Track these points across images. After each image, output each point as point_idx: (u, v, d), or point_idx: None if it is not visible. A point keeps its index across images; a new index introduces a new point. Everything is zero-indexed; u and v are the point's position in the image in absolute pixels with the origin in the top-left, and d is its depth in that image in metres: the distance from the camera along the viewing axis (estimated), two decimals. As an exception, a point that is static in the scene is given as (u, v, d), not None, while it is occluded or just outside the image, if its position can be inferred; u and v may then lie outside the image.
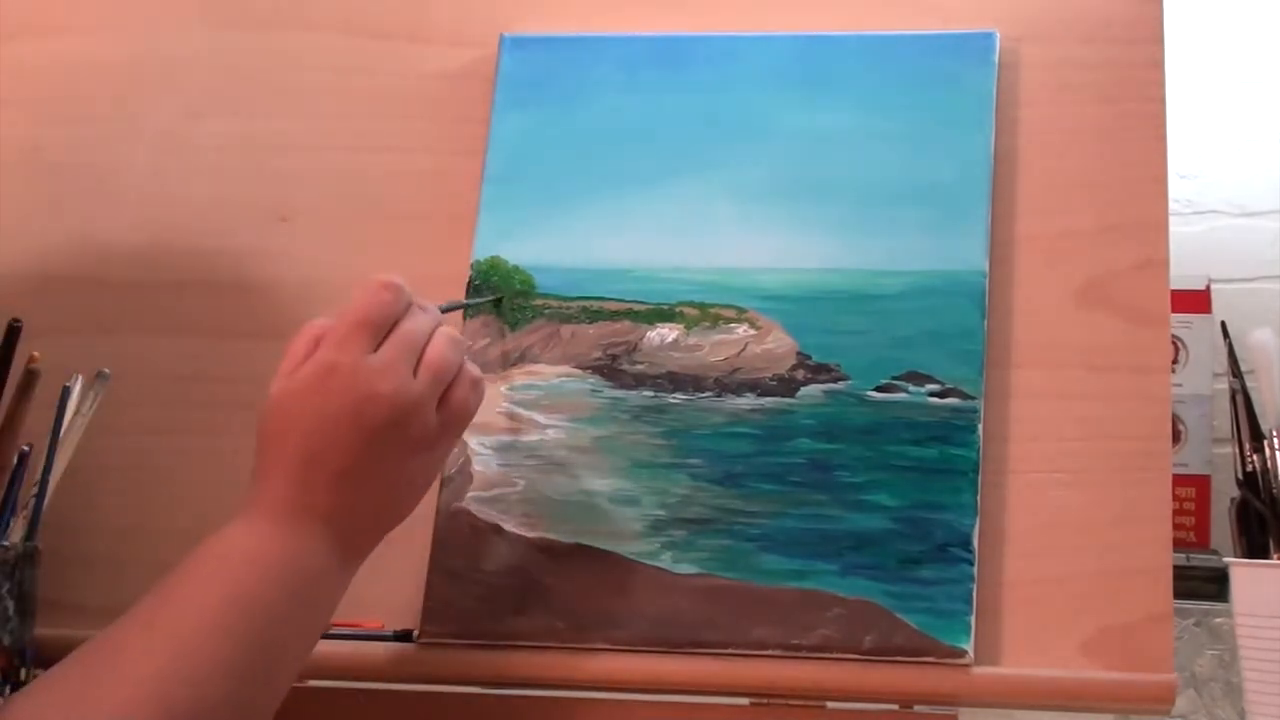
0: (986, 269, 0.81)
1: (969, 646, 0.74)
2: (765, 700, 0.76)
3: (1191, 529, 1.25)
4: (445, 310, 0.75)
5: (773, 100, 0.86)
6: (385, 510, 0.70)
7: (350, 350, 0.68)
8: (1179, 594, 0.78)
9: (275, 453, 0.68)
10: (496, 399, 0.82)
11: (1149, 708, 0.73)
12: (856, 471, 0.78)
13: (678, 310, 0.83)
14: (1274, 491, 0.96)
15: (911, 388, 0.79)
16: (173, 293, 0.89)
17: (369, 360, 0.68)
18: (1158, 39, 0.84)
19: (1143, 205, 0.81)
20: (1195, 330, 1.28)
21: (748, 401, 0.81)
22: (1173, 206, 0.82)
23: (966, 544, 0.76)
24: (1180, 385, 1.26)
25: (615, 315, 0.83)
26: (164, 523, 0.84)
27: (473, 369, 0.73)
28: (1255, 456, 0.97)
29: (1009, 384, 0.79)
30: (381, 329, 0.69)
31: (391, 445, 0.68)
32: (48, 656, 0.77)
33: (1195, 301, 1.29)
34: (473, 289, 0.84)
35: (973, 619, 0.74)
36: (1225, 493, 1.16)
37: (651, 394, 0.81)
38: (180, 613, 0.64)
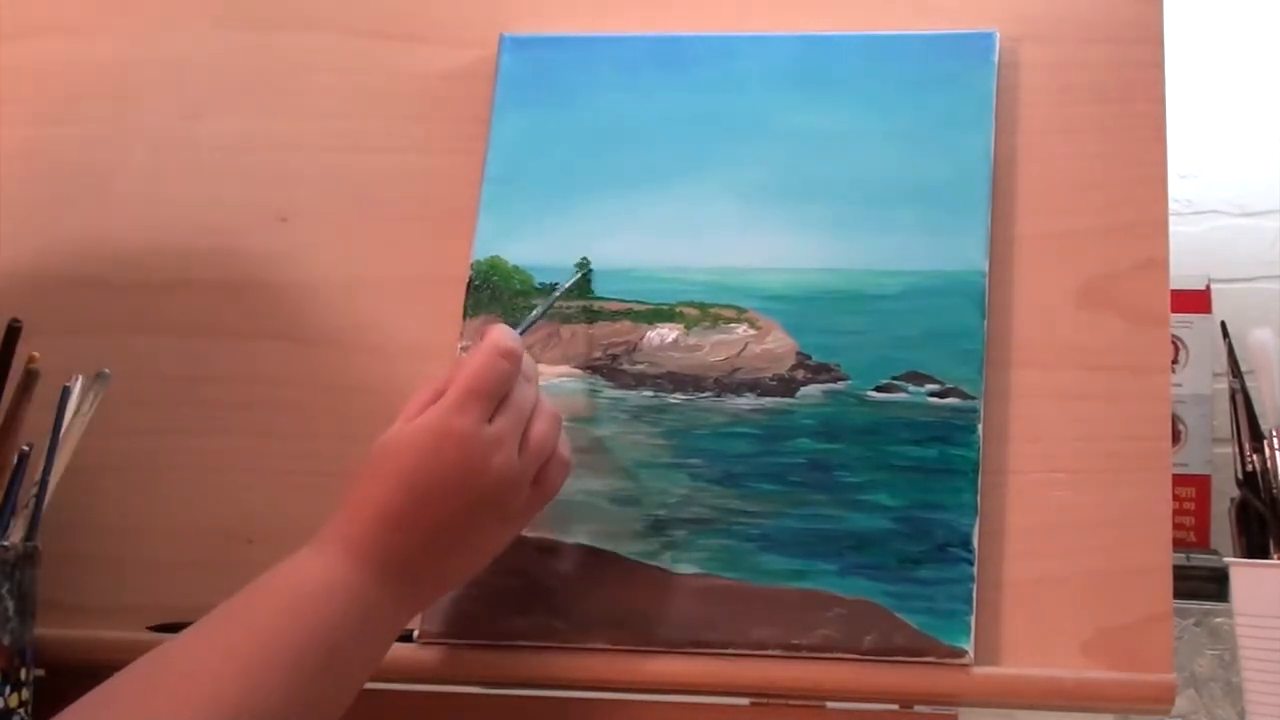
0: (986, 269, 0.81)
1: (969, 646, 0.74)
2: (765, 700, 0.76)
3: (1191, 529, 1.25)
4: (524, 331, 0.77)
5: (773, 100, 0.86)
6: (462, 572, 0.72)
7: (468, 416, 0.69)
8: (1179, 594, 0.78)
9: (373, 497, 0.68)
10: (496, 399, 0.82)
11: (1149, 708, 0.73)
12: (856, 471, 0.78)
13: (678, 310, 0.83)
14: (1274, 491, 0.96)
15: (911, 388, 0.79)
16: (173, 293, 0.89)
17: (484, 431, 0.69)
18: (1158, 39, 0.84)
19: (1143, 205, 0.81)
20: (1195, 330, 1.28)
21: (748, 401, 0.81)
22: (1173, 206, 0.82)
23: (966, 544, 0.76)
24: (1180, 385, 1.26)
25: (615, 315, 0.83)
26: (164, 523, 0.85)
27: (564, 448, 0.74)
28: (1255, 456, 0.97)
29: (1009, 384, 0.79)
30: (497, 397, 0.70)
31: (486, 516, 0.70)
32: (48, 656, 0.77)
33: (1195, 301, 1.29)
34: (473, 289, 0.85)
35: (973, 619, 0.74)
36: (1225, 493, 1.16)
37: (651, 394, 0.81)
38: (251, 638, 0.64)
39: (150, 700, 0.62)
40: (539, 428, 0.72)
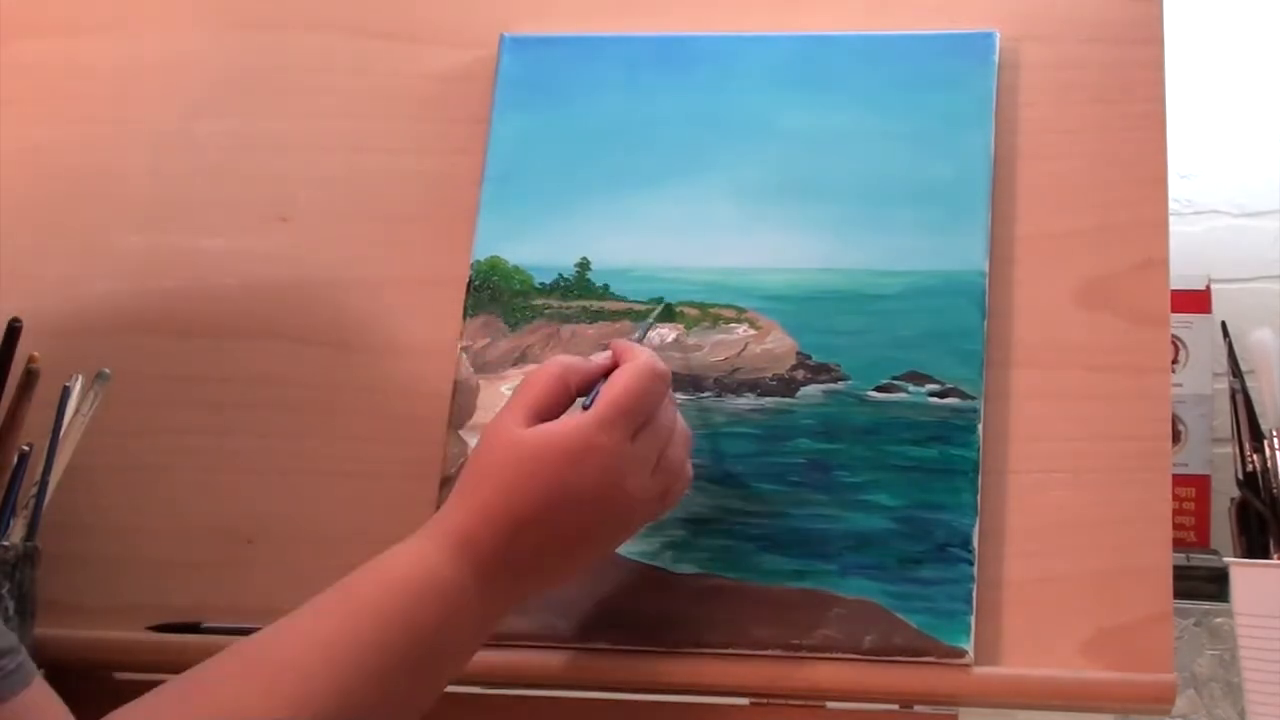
0: (986, 269, 0.80)
1: (969, 646, 0.74)
2: (765, 700, 0.76)
3: (1191, 529, 1.25)
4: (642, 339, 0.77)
5: (773, 100, 0.86)
6: (563, 580, 0.71)
7: (614, 434, 0.68)
8: (1179, 594, 0.78)
9: (495, 498, 0.67)
10: (497, 399, 0.82)
11: (1149, 708, 0.73)
12: (856, 471, 0.78)
13: (678, 310, 0.83)
14: (1274, 491, 0.96)
15: (911, 388, 0.79)
16: (173, 293, 0.89)
17: (626, 450, 0.68)
18: (1158, 39, 0.84)
19: (1143, 205, 0.81)
20: (1195, 330, 1.28)
21: (748, 401, 0.80)
22: (1173, 206, 0.82)
23: (966, 544, 0.76)
24: (1180, 385, 1.26)
25: (615, 315, 0.83)
26: (164, 523, 0.84)
27: (689, 468, 0.74)
28: (1255, 456, 0.97)
29: (1009, 384, 0.79)
30: (644, 417, 0.69)
31: (609, 531, 0.70)
32: (48, 656, 0.77)
33: (1195, 301, 1.29)
34: (472, 289, 0.85)
35: (973, 619, 0.74)
36: (1225, 493, 1.16)
37: (651, 394, 0.81)
38: (348, 634, 0.63)
39: (240, 688, 0.62)
40: (674, 450, 0.72)
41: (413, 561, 0.66)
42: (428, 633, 0.65)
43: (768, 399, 0.80)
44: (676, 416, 0.73)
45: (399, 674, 0.63)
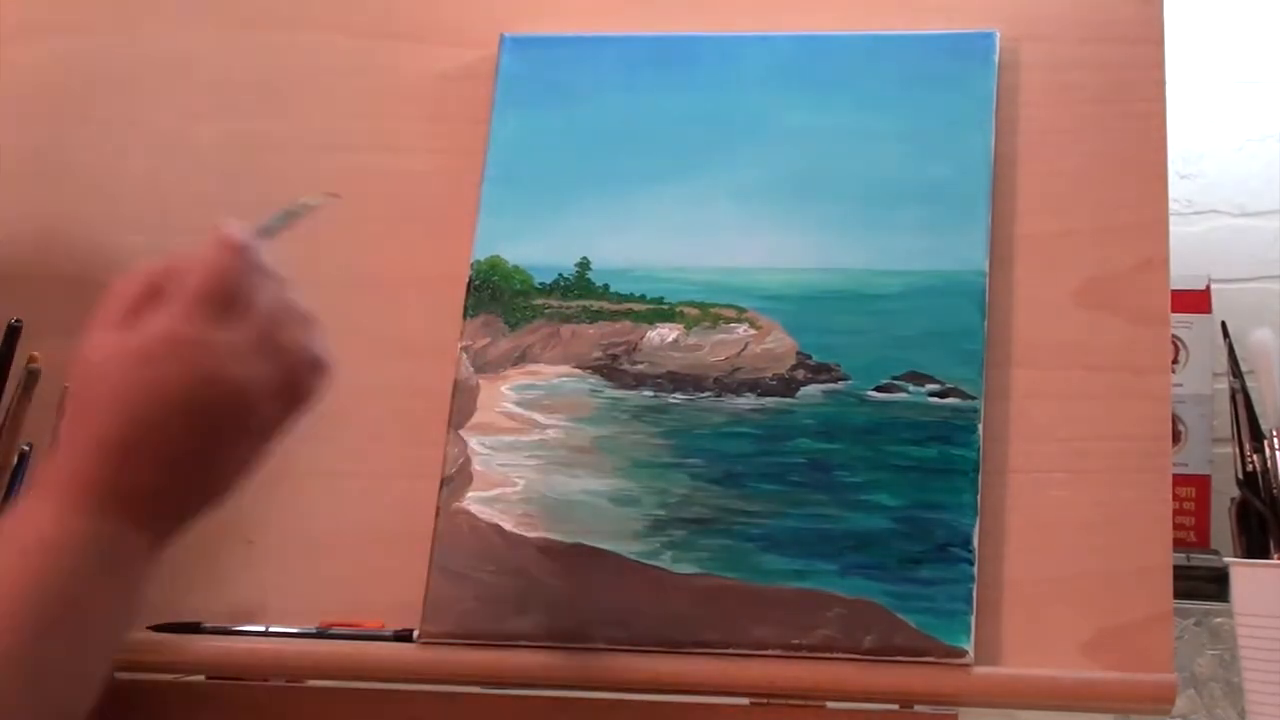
0: (986, 269, 0.81)
1: (969, 646, 0.74)
2: (765, 700, 0.76)
3: (1191, 529, 1.25)
4: (263, 233, 0.68)
5: (773, 100, 0.86)
6: (209, 496, 0.63)
7: (191, 324, 0.60)
8: (1179, 594, 0.78)
9: (88, 427, 0.60)
10: (496, 399, 0.82)
11: (1149, 708, 0.73)
12: (856, 471, 0.78)
13: (678, 310, 0.83)
14: (1274, 491, 0.96)
15: (911, 388, 0.79)
16: (173, 293, 0.89)
17: (216, 337, 0.61)
18: (1158, 39, 0.84)
19: (1143, 205, 0.81)
20: (1195, 330, 1.28)
21: (748, 401, 0.81)
22: (1173, 206, 0.82)
23: (967, 544, 0.76)
24: (1180, 385, 1.26)
25: (615, 315, 0.83)
26: (164, 523, 0.84)
27: (318, 349, 0.65)
28: (1255, 456, 0.97)
29: (1009, 384, 0.79)
30: (230, 299, 0.62)
31: (227, 432, 0.62)
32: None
33: (1195, 301, 1.29)
34: (473, 289, 0.85)
35: (973, 619, 0.74)
36: (1225, 493, 1.16)
37: (651, 394, 0.81)
38: None
39: None
40: (287, 331, 0.63)
41: (25, 520, 0.59)
42: (61, 588, 0.58)
43: (768, 399, 0.80)
44: (283, 295, 0.64)
45: (40, 635, 0.57)
